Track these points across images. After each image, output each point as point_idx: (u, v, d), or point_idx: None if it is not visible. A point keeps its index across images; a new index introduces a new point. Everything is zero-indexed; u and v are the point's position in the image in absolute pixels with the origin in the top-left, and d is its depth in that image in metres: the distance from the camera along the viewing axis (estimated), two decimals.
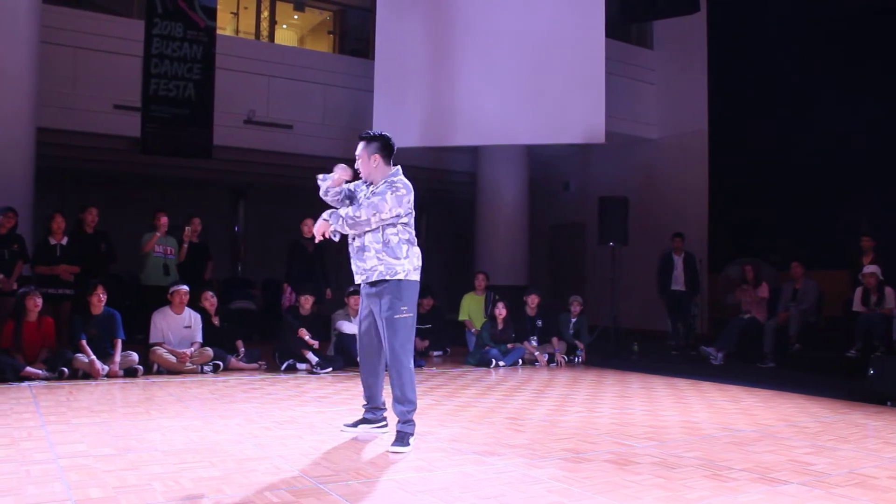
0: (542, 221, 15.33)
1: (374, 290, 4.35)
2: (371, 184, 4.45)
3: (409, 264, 4.33)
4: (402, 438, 4.21)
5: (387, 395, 4.54)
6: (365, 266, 4.36)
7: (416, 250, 4.43)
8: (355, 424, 4.63)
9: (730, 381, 7.49)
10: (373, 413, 4.63)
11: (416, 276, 4.38)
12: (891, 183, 9.92)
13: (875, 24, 10.18)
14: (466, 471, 3.73)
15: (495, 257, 12.80)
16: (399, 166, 4.48)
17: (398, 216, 4.29)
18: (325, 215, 4.31)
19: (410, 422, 4.29)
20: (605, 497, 3.30)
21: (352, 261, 4.44)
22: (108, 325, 7.16)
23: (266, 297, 13.00)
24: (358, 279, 4.43)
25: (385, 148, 4.42)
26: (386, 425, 4.63)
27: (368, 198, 4.34)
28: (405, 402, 4.30)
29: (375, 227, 4.27)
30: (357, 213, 4.21)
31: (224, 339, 8.05)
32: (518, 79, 11.41)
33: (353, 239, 4.40)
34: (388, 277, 4.29)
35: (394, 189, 4.30)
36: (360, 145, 4.44)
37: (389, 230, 4.30)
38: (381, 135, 4.45)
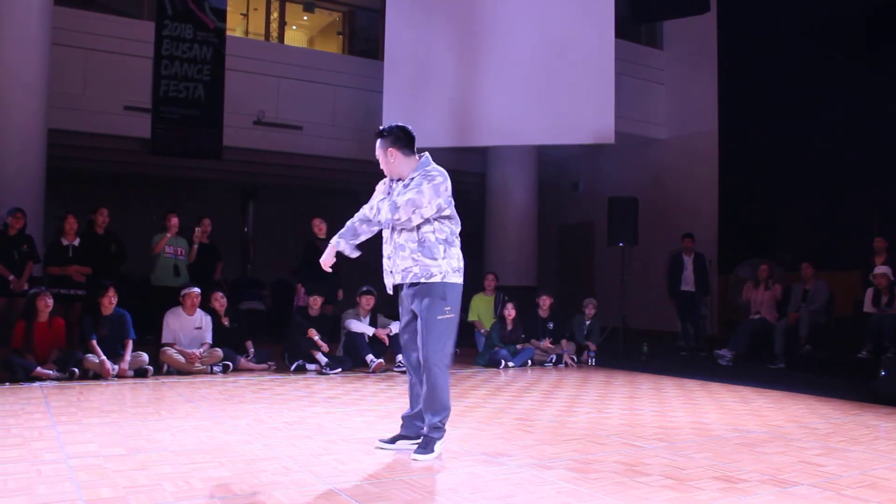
0: (551, 222, 15.32)
1: (412, 290, 4.05)
2: (399, 180, 4.12)
3: (446, 265, 3.99)
4: (426, 445, 3.97)
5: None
6: (402, 266, 4.03)
7: (456, 251, 4.08)
8: (393, 440, 4.21)
9: (740, 382, 7.47)
10: (414, 427, 4.20)
11: (456, 279, 4.04)
12: None
13: (885, 23, 10.13)
14: (476, 472, 3.73)
15: (504, 258, 12.79)
16: (427, 153, 4.15)
17: (440, 208, 3.98)
18: (332, 242, 4.11)
19: (440, 428, 4.02)
20: (615, 498, 3.29)
21: (385, 261, 4.14)
22: (118, 326, 7.18)
23: (275, 297, 13.03)
24: (390, 280, 4.10)
25: (400, 139, 4.06)
26: None
27: (401, 193, 3.99)
28: (437, 409, 4.01)
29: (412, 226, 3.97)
30: (397, 215, 3.90)
31: (233, 339, 8.07)
32: (527, 79, 11.39)
33: (390, 238, 4.09)
34: (423, 280, 3.97)
35: (429, 178, 3.98)
36: (377, 144, 4.12)
37: (425, 227, 3.97)
38: (393, 127, 4.09)
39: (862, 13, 10.35)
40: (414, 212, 3.93)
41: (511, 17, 11.52)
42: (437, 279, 3.98)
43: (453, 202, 4.11)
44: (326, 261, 4.21)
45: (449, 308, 4.00)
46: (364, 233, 4.18)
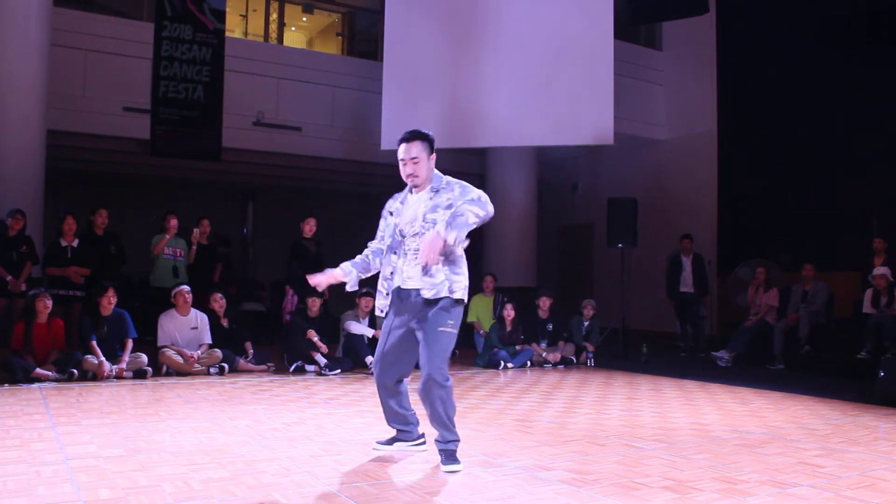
0: (550, 223, 15.32)
1: (420, 304, 3.86)
2: (414, 188, 3.96)
3: (465, 281, 3.92)
4: (451, 455, 3.82)
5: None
6: (434, 281, 3.82)
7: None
8: (390, 442, 4.20)
9: (739, 383, 7.47)
10: (409, 429, 4.18)
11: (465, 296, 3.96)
12: None
13: (884, 23, 10.14)
14: (475, 473, 3.73)
15: (503, 259, 12.79)
16: None
17: None
18: (438, 232, 3.68)
19: (456, 439, 3.90)
20: (614, 499, 3.29)
21: (383, 282, 3.98)
22: (117, 326, 7.18)
23: (275, 298, 13.03)
24: (427, 294, 3.84)
25: (433, 146, 3.97)
26: (424, 441, 4.20)
27: (469, 195, 3.80)
28: (448, 428, 3.85)
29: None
30: (489, 208, 3.74)
31: (233, 340, 8.07)
32: (527, 80, 11.40)
33: (406, 256, 3.91)
34: (449, 295, 3.83)
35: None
36: (416, 145, 3.88)
37: None
38: (427, 132, 3.96)
39: (861, 13, 10.36)
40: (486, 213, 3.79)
41: (510, 18, 11.52)
42: (458, 294, 3.87)
43: None
44: (321, 281, 4.08)
45: (452, 322, 3.86)
46: (375, 268, 4.10)
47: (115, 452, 3.99)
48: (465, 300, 3.94)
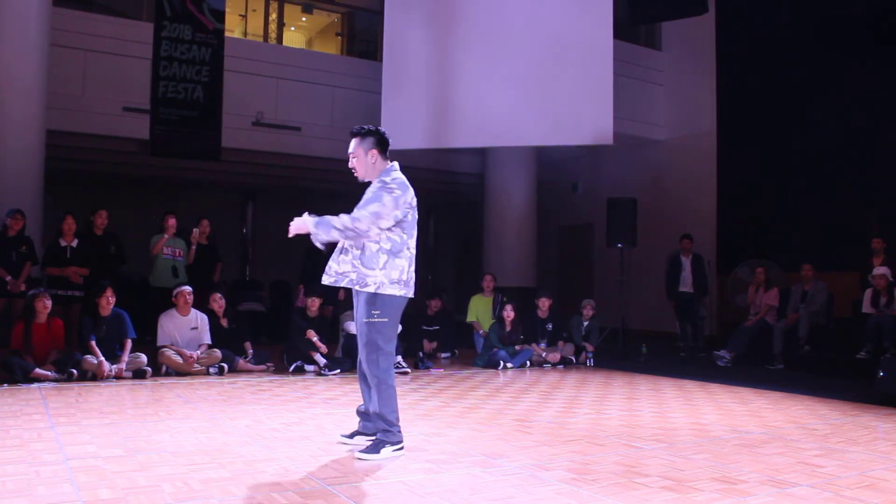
0: (550, 223, 15.33)
1: (355, 296, 4.12)
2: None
3: (383, 276, 3.96)
4: (375, 446, 3.98)
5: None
6: (338, 269, 4.04)
7: (400, 262, 4.02)
8: (351, 436, 4.34)
9: (738, 383, 7.47)
10: (366, 424, 4.29)
11: (394, 290, 3.99)
12: None
13: (884, 23, 10.14)
14: (475, 473, 3.73)
15: (503, 259, 12.80)
16: (396, 162, 4.20)
17: (396, 219, 3.99)
18: (308, 217, 3.97)
19: (389, 432, 4.02)
20: (614, 499, 3.29)
21: (331, 259, 4.13)
22: (116, 326, 7.18)
23: (274, 298, 13.03)
24: (326, 280, 4.10)
25: (381, 143, 4.12)
26: None
27: (362, 205, 4.00)
28: (380, 420, 4.02)
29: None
30: (357, 225, 3.90)
31: (232, 340, 8.06)
32: (526, 80, 11.40)
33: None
34: (357, 287, 4.01)
35: (388, 189, 3.99)
36: (354, 142, 4.14)
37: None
38: (374, 128, 4.16)
39: (860, 15, 10.36)
40: (375, 222, 3.95)
41: (510, 18, 11.52)
42: (370, 289, 3.98)
43: (415, 214, 4.12)
44: (292, 228, 4.05)
45: (377, 312, 3.99)
46: (336, 239, 4.07)
47: (115, 452, 3.99)
48: (396, 294, 4.01)
